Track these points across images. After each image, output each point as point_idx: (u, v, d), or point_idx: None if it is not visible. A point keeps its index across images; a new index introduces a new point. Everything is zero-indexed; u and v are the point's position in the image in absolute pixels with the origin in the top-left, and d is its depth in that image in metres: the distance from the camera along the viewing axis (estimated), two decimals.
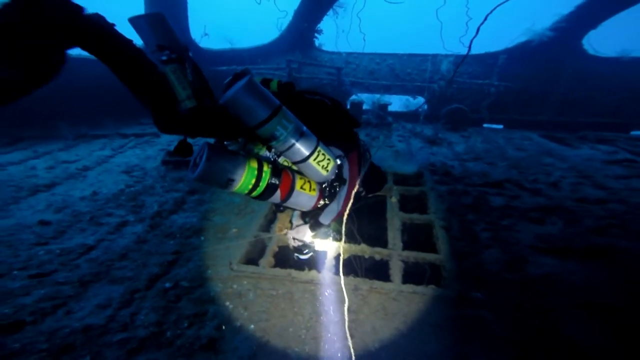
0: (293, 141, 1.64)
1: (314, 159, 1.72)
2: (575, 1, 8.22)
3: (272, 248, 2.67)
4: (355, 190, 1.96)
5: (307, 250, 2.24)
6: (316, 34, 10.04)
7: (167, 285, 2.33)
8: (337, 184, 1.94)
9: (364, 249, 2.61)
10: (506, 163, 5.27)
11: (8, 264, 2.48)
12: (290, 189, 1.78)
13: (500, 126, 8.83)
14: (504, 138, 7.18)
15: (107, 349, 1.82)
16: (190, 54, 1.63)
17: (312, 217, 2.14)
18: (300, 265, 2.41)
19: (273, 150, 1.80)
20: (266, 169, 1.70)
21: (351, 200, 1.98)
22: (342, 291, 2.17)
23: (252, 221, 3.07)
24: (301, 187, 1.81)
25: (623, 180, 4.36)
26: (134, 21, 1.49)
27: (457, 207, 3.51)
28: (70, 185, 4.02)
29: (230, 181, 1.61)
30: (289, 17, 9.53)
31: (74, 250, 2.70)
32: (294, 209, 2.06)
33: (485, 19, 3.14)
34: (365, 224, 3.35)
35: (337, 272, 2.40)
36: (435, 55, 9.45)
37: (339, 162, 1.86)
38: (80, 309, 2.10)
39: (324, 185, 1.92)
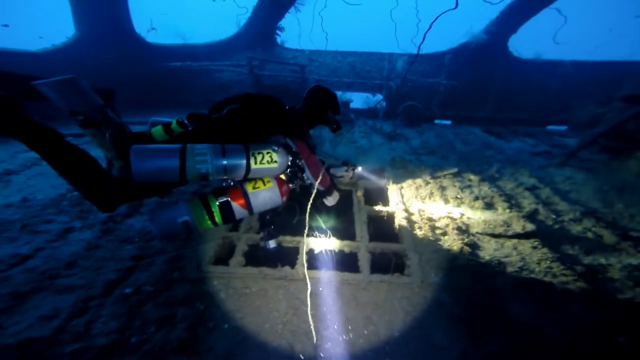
0: (223, 162, 1.68)
1: (256, 163, 1.77)
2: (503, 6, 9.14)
3: (242, 247, 2.63)
4: (312, 154, 2.10)
5: (274, 240, 2.33)
6: (278, 31, 9.87)
7: (128, 290, 2.19)
8: (297, 161, 2.05)
9: (333, 243, 2.70)
10: (456, 156, 5.77)
11: None
12: (244, 195, 1.83)
13: (449, 122, 9.60)
14: (453, 133, 7.83)
15: None
16: (109, 112, 1.63)
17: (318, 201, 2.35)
18: (273, 263, 2.43)
19: (224, 182, 1.87)
20: (210, 195, 1.79)
21: (321, 165, 2.16)
22: (317, 285, 2.25)
23: None
24: (253, 187, 1.85)
25: (545, 169, 5.05)
26: (43, 87, 1.43)
27: (416, 198, 3.78)
28: None
29: (186, 223, 1.70)
30: (249, 14, 9.22)
31: (1, 262, 2.38)
32: (273, 209, 2.08)
33: (430, 27, 3.41)
34: (333, 218, 3.45)
35: (309, 267, 2.46)
36: (391, 54, 9.89)
37: (276, 148, 1.90)
38: (14, 323, 1.88)
39: (289, 170, 2.03)
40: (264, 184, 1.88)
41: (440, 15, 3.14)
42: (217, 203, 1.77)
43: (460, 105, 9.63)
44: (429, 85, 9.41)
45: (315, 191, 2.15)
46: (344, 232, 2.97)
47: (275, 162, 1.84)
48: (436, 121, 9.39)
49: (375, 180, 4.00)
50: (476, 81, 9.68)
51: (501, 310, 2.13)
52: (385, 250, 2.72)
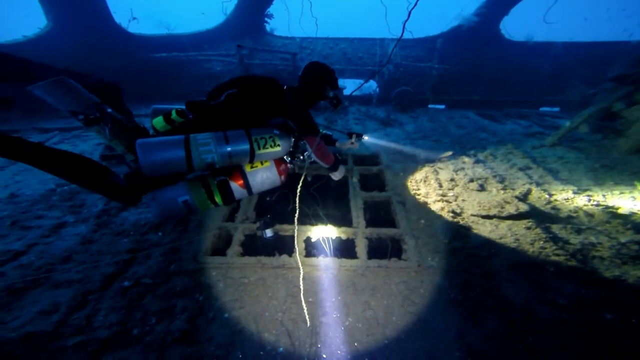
0: (227, 150, 1.70)
1: (259, 148, 1.78)
2: None
3: (239, 237, 2.62)
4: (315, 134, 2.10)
5: (271, 229, 2.38)
6: (267, 19, 9.57)
7: (127, 284, 2.18)
8: (299, 142, 2.10)
9: (330, 230, 2.71)
10: (449, 140, 5.78)
11: None
12: (242, 175, 1.85)
13: (443, 106, 9.57)
14: (447, 117, 7.82)
15: (61, 355, 1.68)
16: (108, 109, 1.67)
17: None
18: (270, 252, 2.43)
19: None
20: (209, 176, 1.81)
21: (323, 143, 2.20)
22: (315, 272, 2.27)
23: (215, 212, 2.96)
24: (251, 167, 1.87)
25: (537, 150, 5.10)
26: (37, 91, 1.44)
27: (411, 182, 3.79)
28: None
29: (186, 202, 1.73)
30: (236, 1, 8.90)
31: None
32: (272, 188, 2.09)
33: (416, 4, 3.33)
34: (330, 205, 3.46)
35: (307, 255, 2.47)
36: (382, 40, 9.72)
37: (277, 132, 1.91)
38: (14, 317, 1.87)
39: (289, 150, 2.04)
40: (262, 164, 1.88)
41: None
42: (215, 182, 1.78)
43: (453, 89, 9.58)
44: (422, 70, 9.32)
45: (304, 172, 2.19)
46: (341, 218, 2.98)
47: (279, 145, 1.85)
48: (430, 106, 9.35)
49: (385, 144, 4.08)
50: (468, 65, 9.60)
51: (496, 292, 2.17)
52: (382, 235, 2.74)
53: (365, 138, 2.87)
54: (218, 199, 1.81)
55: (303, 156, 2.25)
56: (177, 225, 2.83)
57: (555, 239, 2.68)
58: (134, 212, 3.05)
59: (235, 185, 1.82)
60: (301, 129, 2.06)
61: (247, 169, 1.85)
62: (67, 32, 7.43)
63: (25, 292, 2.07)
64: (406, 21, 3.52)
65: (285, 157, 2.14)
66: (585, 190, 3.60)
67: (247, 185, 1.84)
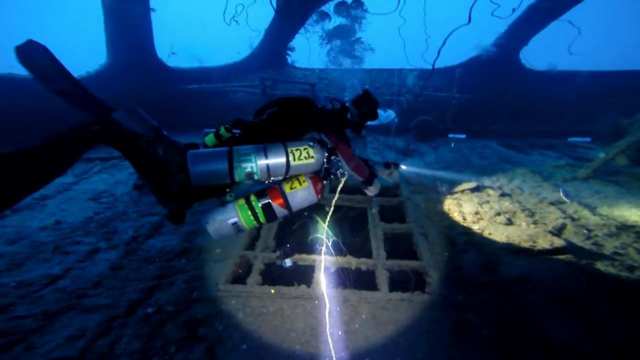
0: (265, 161, 1.83)
1: (294, 159, 1.89)
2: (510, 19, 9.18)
3: (259, 266, 2.64)
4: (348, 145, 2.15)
5: (290, 259, 2.39)
6: (288, 52, 10.29)
7: (150, 310, 2.22)
8: (332, 157, 2.12)
9: (350, 261, 2.67)
10: (472, 171, 5.66)
11: None
12: (283, 196, 1.96)
13: (464, 136, 9.48)
14: (468, 147, 7.72)
15: None
16: (165, 133, 1.93)
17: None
18: (289, 281, 2.42)
19: (266, 182, 2.02)
20: (253, 197, 1.95)
21: (357, 157, 2.23)
22: (334, 304, 2.22)
23: (236, 240, 3.03)
24: (290, 188, 1.98)
25: (569, 183, 4.85)
26: (116, 115, 1.78)
27: (433, 214, 3.71)
28: (25, 216, 3.67)
29: (235, 224, 1.90)
30: (261, 36, 9.70)
31: (35, 282, 2.49)
32: (310, 207, 2.15)
33: (444, 43, 3.52)
34: (348, 236, 3.42)
35: (326, 285, 2.43)
36: (400, 70, 10.04)
37: (311, 144, 2.00)
38: (45, 342, 1.94)
39: (324, 167, 2.10)
40: (300, 184, 2.00)
41: (453, 31, 3.24)
42: (260, 205, 1.92)
43: (473, 119, 9.53)
44: (441, 99, 9.42)
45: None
46: (360, 249, 2.93)
47: (312, 157, 1.94)
48: (450, 135, 9.30)
49: (422, 172, 3.98)
50: (489, 94, 9.61)
51: (536, 329, 2.00)
52: (404, 267, 2.65)
53: (403, 167, 2.73)
54: (262, 219, 1.94)
55: (337, 174, 2.27)
56: (201, 253, 2.91)
57: (603, 275, 2.46)
58: (161, 239, 3.18)
59: (277, 206, 1.96)
60: (334, 136, 2.13)
61: (287, 189, 1.98)
62: (122, 68, 8.35)
63: (59, 317, 2.16)
64: (436, 59, 3.69)
65: (320, 175, 2.20)
66: (633, 227, 3.32)
67: (287, 205, 1.97)
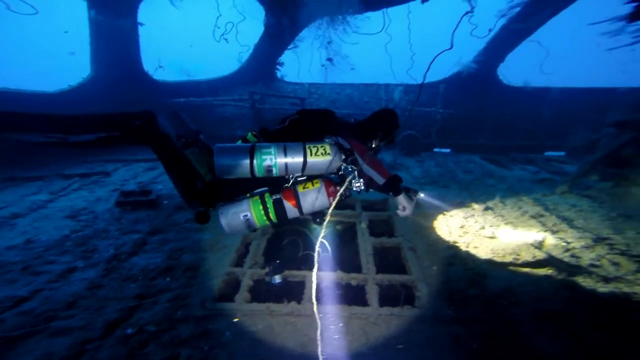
0: (284, 158, 1.93)
1: (311, 155, 1.96)
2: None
3: (247, 283, 2.58)
4: (366, 151, 2.10)
5: (279, 275, 2.41)
6: (278, 66, 10.43)
7: (130, 331, 2.12)
8: (349, 157, 2.09)
9: (340, 276, 2.65)
10: (457, 185, 5.81)
11: None
12: (295, 195, 2.02)
13: (449, 150, 9.76)
14: (453, 161, 7.94)
15: None
16: (201, 137, 2.08)
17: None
18: (279, 298, 2.37)
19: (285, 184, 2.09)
20: (267, 195, 2.02)
21: (372, 157, 2.07)
22: (325, 320, 2.18)
23: (224, 257, 2.96)
24: (303, 188, 2.04)
25: (548, 198, 5.04)
26: (160, 117, 1.90)
27: (421, 228, 3.75)
28: None
29: (247, 219, 1.97)
30: (250, 51, 9.81)
31: None
32: (323, 211, 2.15)
33: (429, 66, 3.68)
34: (337, 251, 3.40)
35: (317, 302, 2.39)
36: (387, 85, 10.34)
37: (328, 141, 2.07)
38: None
39: (342, 166, 2.09)
40: (313, 185, 2.04)
41: (437, 55, 3.41)
42: (272, 200, 1.98)
43: (458, 133, 9.84)
44: (426, 114, 9.71)
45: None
46: (349, 264, 2.92)
47: (328, 154, 1.98)
48: (435, 150, 9.56)
49: (438, 204, 3.95)
50: (471, 109, 9.99)
51: (525, 342, 2.03)
52: (394, 281, 2.65)
53: (421, 195, 2.25)
54: (273, 216, 1.99)
55: (352, 184, 2.09)
56: (186, 271, 2.82)
57: (581, 288, 2.54)
58: (144, 257, 3.06)
59: (289, 205, 2.00)
60: (353, 140, 2.05)
61: (300, 189, 2.02)
62: (106, 81, 8.20)
63: (21, 342, 2.01)
64: (423, 82, 3.82)
65: (334, 179, 2.20)
66: (605, 239, 3.47)
67: (298, 205, 2.01)
